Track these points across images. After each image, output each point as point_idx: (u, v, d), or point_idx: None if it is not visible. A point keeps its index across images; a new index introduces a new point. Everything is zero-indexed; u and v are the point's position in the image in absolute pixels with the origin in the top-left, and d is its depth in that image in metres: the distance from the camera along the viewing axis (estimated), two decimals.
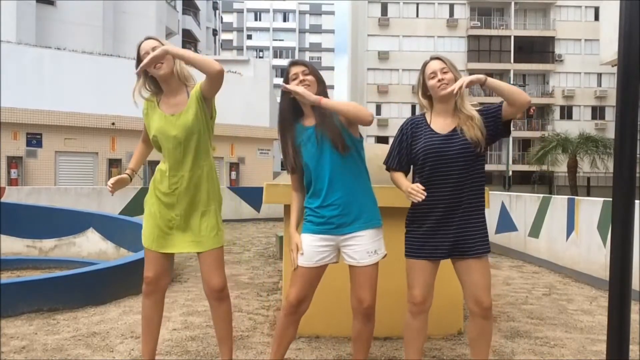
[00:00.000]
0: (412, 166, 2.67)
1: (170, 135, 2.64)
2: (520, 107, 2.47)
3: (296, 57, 73.18)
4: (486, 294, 2.50)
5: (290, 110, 2.63)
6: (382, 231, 2.62)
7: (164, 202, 2.72)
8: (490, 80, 2.44)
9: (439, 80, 2.51)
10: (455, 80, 2.52)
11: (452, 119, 2.57)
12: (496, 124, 2.53)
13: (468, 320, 2.64)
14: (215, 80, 2.56)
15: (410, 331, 2.58)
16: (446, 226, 2.53)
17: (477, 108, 2.57)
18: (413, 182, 2.59)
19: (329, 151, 2.52)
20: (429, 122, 2.60)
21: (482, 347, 2.57)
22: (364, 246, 2.53)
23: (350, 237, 2.54)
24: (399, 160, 2.65)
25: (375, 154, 3.86)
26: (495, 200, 8.82)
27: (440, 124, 2.57)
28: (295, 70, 2.58)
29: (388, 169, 2.72)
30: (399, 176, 2.64)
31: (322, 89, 2.61)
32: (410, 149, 2.61)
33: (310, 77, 2.57)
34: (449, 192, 2.52)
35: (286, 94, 2.60)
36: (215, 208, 2.76)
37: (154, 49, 2.58)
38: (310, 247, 2.56)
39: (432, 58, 2.61)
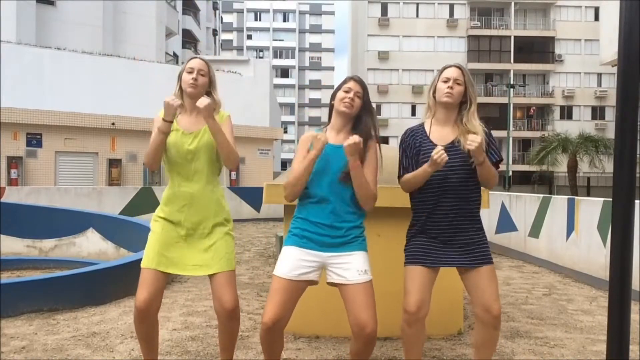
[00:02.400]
0: None
1: (183, 149, 2.62)
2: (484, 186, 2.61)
3: (296, 57, 73.34)
4: (496, 301, 2.47)
5: None
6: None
7: (171, 221, 2.66)
8: (486, 161, 2.49)
9: (449, 87, 2.53)
10: (468, 96, 2.55)
11: (451, 130, 2.58)
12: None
13: (474, 326, 2.61)
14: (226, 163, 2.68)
15: (407, 338, 2.56)
16: (450, 235, 2.53)
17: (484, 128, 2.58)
18: (419, 193, 2.60)
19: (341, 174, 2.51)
20: (428, 134, 2.61)
21: (487, 353, 2.57)
22: (355, 264, 2.46)
23: (339, 255, 2.47)
24: (412, 168, 2.61)
25: None
26: (495, 200, 8.81)
27: (439, 135, 2.58)
28: (351, 85, 2.55)
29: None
30: (406, 177, 2.60)
31: (367, 116, 2.55)
32: (417, 159, 2.59)
33: (358, 101, 2.54)
34: (450, 203, 2.53)
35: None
36: (224, 229, 2.70)
37: (199, 71, 2.66)
38: (295, 260, 2.48)
39: (455, 65, 2.62)
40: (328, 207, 2.49)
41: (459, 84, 2.55)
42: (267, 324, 2.41)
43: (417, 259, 2.55)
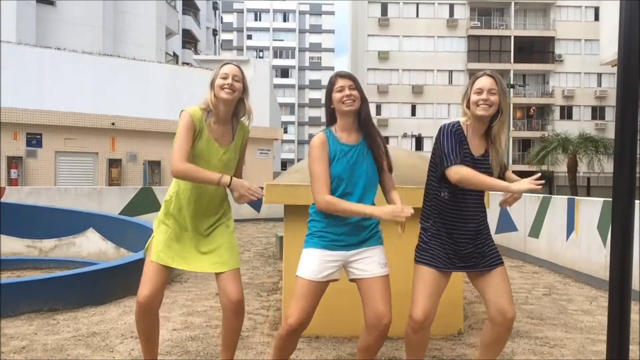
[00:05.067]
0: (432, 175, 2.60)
1: (210, 162, 2.63)
2: None
3: (296, 57, 73.32)
4: (510, 303, 2.46)
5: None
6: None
7: (182, 221, 2.68)
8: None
9: (484, 100, 2.42)
10: (500, 106, 2.44)
11: (481, 140, 2.53)
12: None
13: (485, 326, 2.60)
14: None
15: (411, 344, 2.55)
16: (464, 239, 2.53)
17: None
18: (442, 193, 2.53)
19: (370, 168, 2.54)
20: (467, 138, 2.51)
21: (494, 353, 2.57)
22: (376, 257, 2.52)
23: (361, 251, 2.53)
24: (461, 154, 2.44)
25: None
26: (495, 200, 8.79)
27: (475, 144, 2.52)
28: (342, 83, 2.50)
29: (450, 165, 2.42)
30: (474, 172, 2.38)
31: (365, 107, 2.55)
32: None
33: (355, 93, 2.50)
34: (473, 211, 2.53)
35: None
36: (229, 230, 2.76)
37: (234, 77, 2.62)
38: (321, 262, 2.49)
39: (488, 74, 2.48)
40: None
41: (493, 93, 2.42)
42: (293, 326, 2.44)
43: (431, 259, 2.51)
